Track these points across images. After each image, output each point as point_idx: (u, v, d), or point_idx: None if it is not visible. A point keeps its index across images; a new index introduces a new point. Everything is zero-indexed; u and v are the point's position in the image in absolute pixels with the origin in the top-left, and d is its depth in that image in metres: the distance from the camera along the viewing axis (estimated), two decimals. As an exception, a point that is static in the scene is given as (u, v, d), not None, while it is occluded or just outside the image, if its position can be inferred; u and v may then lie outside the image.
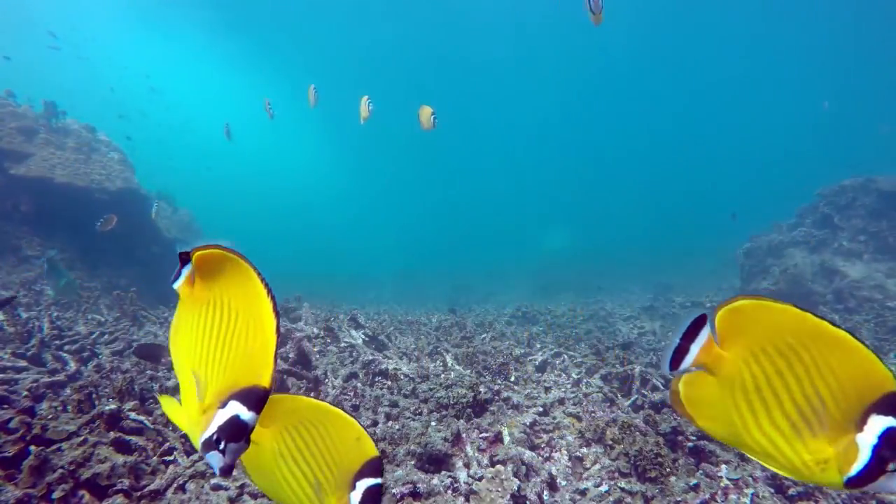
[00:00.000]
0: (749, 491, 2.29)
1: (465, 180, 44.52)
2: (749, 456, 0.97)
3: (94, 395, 2.58)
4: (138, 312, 4.55)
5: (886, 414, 0.88)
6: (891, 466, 0.86)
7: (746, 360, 0.96)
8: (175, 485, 2.09)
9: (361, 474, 1.04)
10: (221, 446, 0.82)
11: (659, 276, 11.46)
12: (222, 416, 0.83)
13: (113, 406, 2.37)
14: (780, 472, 0.94)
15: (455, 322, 5.94)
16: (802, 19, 22.47)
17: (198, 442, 0.86)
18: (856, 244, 6.66)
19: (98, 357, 3.48)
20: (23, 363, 3.06)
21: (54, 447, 2.05)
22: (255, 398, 0.84)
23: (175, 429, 2.45)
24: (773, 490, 2.33)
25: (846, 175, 7.31)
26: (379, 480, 1.05)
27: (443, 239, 29.18)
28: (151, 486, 2.05)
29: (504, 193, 42.97)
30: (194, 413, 0.88)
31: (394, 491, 2.12)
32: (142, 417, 2.42)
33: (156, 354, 3.36)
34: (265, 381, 0.84)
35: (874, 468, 0.87)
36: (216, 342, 0.89)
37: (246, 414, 0.83)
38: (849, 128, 31.22)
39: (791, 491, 2.32)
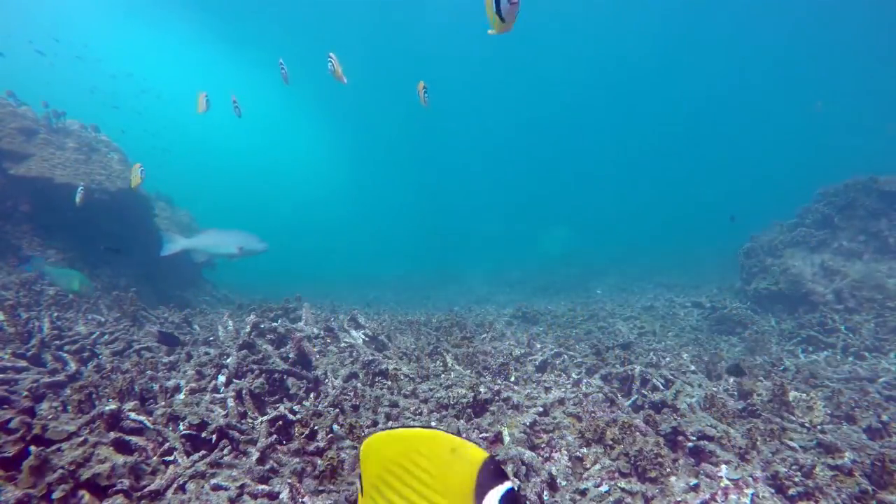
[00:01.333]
0: (749, 491, 2.29)
1: (466, 180, 44.50)
2: None
3: (94, 395, 2.58)
4: (138, 312, 4.55)
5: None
6: None
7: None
8: (175, 485, 2.08)
9: (482, 487, 0.83)
10: None
11: (659, 277, 11.46)
12: None
13: (113, 406, 2.37)
14: None
15: (455, 322, 5.94)
16: (804, 20, 22.45)
17: None
18: (856, 244, 6.66)
19: (98, 357, 3.48)
20: (23, 363, 3.06)
21: (54, 447, 2.05)
22: None
23: (175, 428, 2.45)
24: (773, 490, 2.33)
25: (847, 175, 7.31)
26: (507, 484, 0.83)
27: (442, 239, 29.16)
28: (151, 487, 2.05)
29: (505, 194, 42.95)
30: None
31: (394, 491, 2.12)
32: (142, 417, 2.42)
33: (174, 342, 3.55)
34: None
35: None
36: None
37: None
38: (849, 128, 31.21)
39: (791, 491, 2.32)
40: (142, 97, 26.09)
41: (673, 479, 2.38)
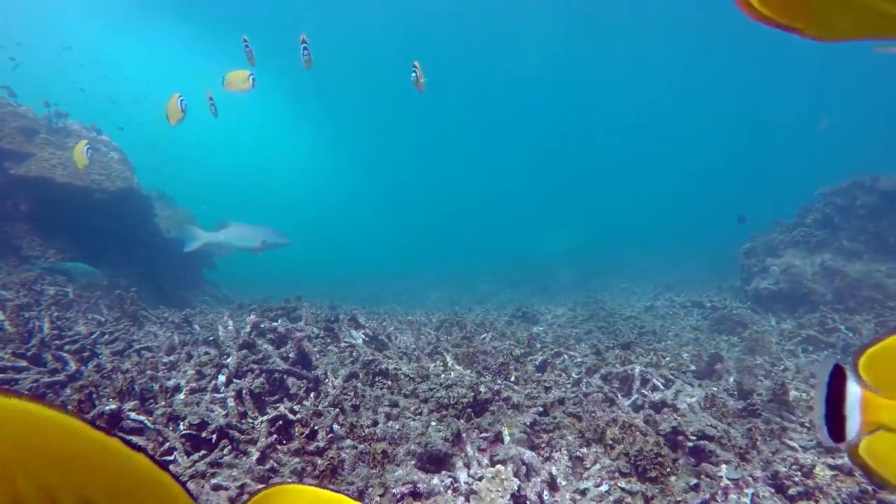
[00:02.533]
0: (749, 491, 2.29)
1: (466, 178, 44.51)
2: None
3: (94, 395, 2.58)
4: (138, 312, 4.55)
5: None
6: None
7: None
8: (175, 485, 2.08)
9: None
10: None
11: (659, 276, 11.46)
12: None
13: (113, 406, 2.37)
14: None
15: (456, 321, 5.95)
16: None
17: None
18: (856, 244, 6.66)
19: (98, 357, 3.48)
20: (23, 363, 3.06)
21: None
22: None
23: (175, 428, 2.45)
24: (773, 490, 2.33)
25: (847, 175, 7.31)
26: None
27: (442, 238, 29.17)
28: (152, 486, 2.05)
29: (505, 192, 42.95)
30: None
31: (394, 491, 2.12)
32: (142, 417, 2.42)
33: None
34: None
35: None
36: None
37: None
38: (849, 128, 31.20)
39: (791, 491, 2.32)
40: (139, 98, 26.12)
41: (673, 478, 2.38)
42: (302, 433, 2.55)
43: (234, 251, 6.25)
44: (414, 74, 3.79)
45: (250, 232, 6.01)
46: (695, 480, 2.35)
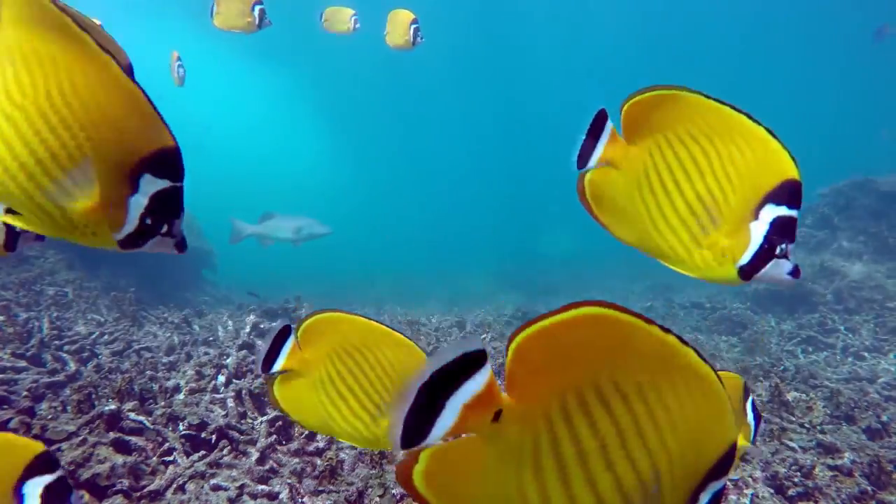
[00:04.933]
0: (749, 491, 2.29)
1: (467, 179, 44.48)
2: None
3: (93, 395, 2.58)
4: (138, 313, 4.56)
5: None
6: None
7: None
8: (175, 485, 2.09)
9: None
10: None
11: (659, 277, 11.45)
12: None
13: (113, 406, 2.37)
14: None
15: (456, 322, 5.95)
16: (808, 18, 22.50)
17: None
18: (856, 244, 6.66)
19: (98, 357, 3.48)
20: (23, 363, 3.06)
21: (54, 447, 2.05)
22: None
23: (175, 429, 2.45)
24: (772, 490, 2.33)
25: (846, 175, 7.30)
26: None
27: (442, 239, 29.17)
28: (151, 487, 2.05)
29: (508, 192, 42.93)
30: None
31: (394, 491, 2.12)
32: (142, 417, 2.42)
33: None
34: None
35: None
36: None
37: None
38: (849, 128, 31.20)
39: (791, 491, 2.32)
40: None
41: (672, 479, 2.38)
42: (302, 433, 2.55)
43: (276, 242, 6.32)
44: (416, 31, 3.42)
45: (291, 223, 6.15)
46: (694, 481, 2.35)
